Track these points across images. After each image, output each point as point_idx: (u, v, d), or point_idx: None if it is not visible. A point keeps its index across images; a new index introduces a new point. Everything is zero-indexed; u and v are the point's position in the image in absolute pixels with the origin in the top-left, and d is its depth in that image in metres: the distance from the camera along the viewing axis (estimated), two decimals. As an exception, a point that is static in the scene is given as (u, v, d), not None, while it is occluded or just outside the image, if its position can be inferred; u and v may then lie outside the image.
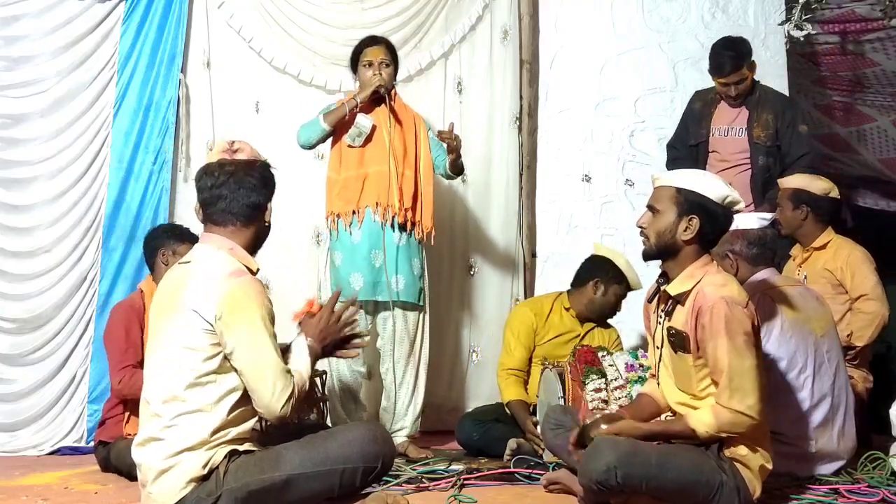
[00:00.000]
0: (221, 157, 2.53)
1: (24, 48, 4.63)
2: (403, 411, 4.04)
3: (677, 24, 4.96)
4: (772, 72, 4.94)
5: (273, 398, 2.33)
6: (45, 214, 4.58)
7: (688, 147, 4.39)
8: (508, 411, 4.01)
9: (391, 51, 4.07)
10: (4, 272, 4.55)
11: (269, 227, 2.59)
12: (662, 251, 2.71)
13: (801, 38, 4.49)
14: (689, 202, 2.65)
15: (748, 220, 3.35)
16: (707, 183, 2.68)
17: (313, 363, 2.48)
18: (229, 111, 4.78)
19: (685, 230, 2.65)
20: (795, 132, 4.22)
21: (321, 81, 4.79)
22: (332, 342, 2.55)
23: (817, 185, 4.02)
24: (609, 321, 4.16)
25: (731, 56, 4.20)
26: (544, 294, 4.34)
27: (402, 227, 3.95)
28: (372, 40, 4.08)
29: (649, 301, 2.88)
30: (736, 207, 2.69)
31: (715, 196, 2.65)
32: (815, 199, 3.99)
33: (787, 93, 4.93)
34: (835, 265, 3.98)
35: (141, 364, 3.60)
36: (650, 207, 2.74)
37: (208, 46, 4.79)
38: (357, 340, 2.64)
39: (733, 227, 3.29)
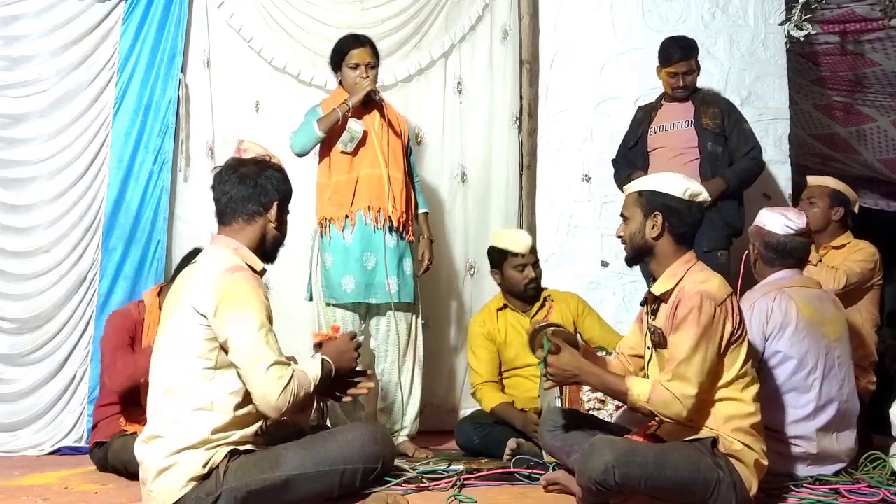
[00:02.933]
0: (232, 156, 2.59)
1: (23, 48, 4.63)
2: (402, 411, 4.04)
3: (677, 24, 4.95)
4: (772, 72, 4.95)
5: (268, 385, 2.32)
6: (44, 214, 4.58)
7: (627, 152, 4.49)
8: (497, 419, 3.99)
9: (376, 52, 4.05)
10: (4, 272, 4.55)
11: (280, 232, 2.60)
12: (639, 253, 2.84)
13: (801, 38, 4.49)
14: (650, 201, 2.78)
15: (775, 222, 3.32)
16: (665, 180, 2.81)
17: (324, 376, 2.47)
18: (229, 111, 4.78)
19: (652, 228, 2.77)
20: (742, 129, 4.33)
21: (321, 81, 4.78)
22: (346, 367, 2.60)
23: (852, 193, 4.18)
24: (568, 292, 4.20)
25: (680, 46, 4.34)
26: (489, 300, 4.33)
27: (394, 230, 3.94)
28: (356, 41, 4.01)
29: (642, 304, 2.95)
30: (699, 198, 2.78)
31: (674, 191, 2.76)
32: (849, 203, 4.15)
33: (787, 93, 4.96)
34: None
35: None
36: (622, 216, 2.87)
37: (208, 46, 4.79)
38: (363, 382, 2.69)
39: (758, 221, 3.34)
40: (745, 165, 4.26)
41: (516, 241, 4.03)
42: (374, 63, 4.01)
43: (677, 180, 2.79)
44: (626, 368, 2.97)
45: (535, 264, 4.06)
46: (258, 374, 2.32)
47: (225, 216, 2.54)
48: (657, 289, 2.79)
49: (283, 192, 2.59)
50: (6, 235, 4.58)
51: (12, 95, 4.61)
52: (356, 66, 3.96)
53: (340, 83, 4.07)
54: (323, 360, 2.49)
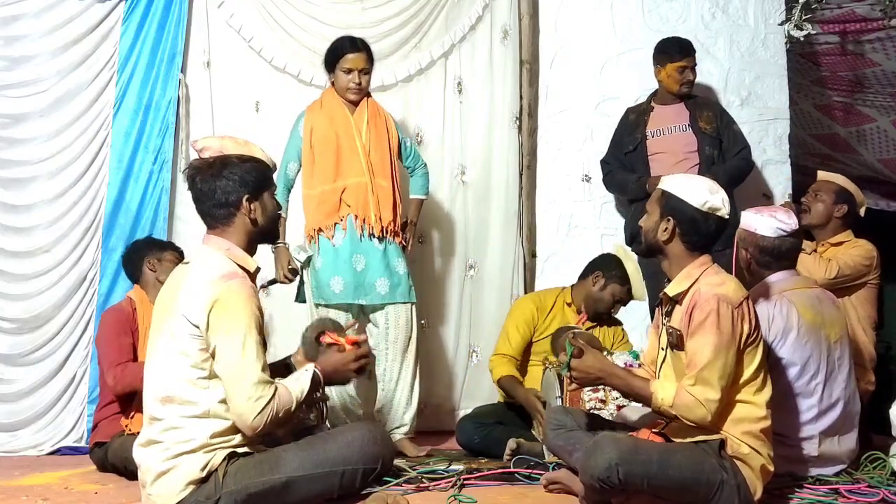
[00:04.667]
0: (192, 161, 2.53)
1: (23, 48, 4.62)
2: (402, 410, 4.07)
3: (677, 24, 4.95)
4: (772, 72, 4.95)
5: (246, 405, 2.29)
6: (44, 214, 4.58)
7: (622, 156, 4.50)
8: (500, 391, 4.02)
9: (370, 57, 4.09)
10: (4, 272, 4.55)
11: (265, 222, 2.50)
12: (651, 250, 2.84)
13: (801, 38, 4.49)
14: (669, 205, 2.76)
15: (766, 225, 3.29)
16: (688, 187, 2.77)
17: (312, 389, 2.44)
18: (229, 111, 4.77)
19: (664, 231, 2.76)
20: (732, 130, 4.43)
21: (321, 81, 4.77)
22: (340, 381, 2.61)
23: (860, 195, 4.20)
24: (616, 317, 4.17)
25: (681, 43, 4.44)
26: (550, 288, 4.34)
27: (380, 238, 3.99)
28: (352, 45, 4.04)
29: (657, 305, 2.95)
30: (718, 213, 2.74)
31: (693, 200, 2.73)
32: (854, 203, 4.15)
33: (787, 93, 4.97)
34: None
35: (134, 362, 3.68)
36: (646, 207, 2.87)
37: (208, 46, 4.78)
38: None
39: (747, 225, 3.31)
40: (734, 164, 4.35)
41: (640, 291, 3.99)
42: (368, 69, 4.06)
43: (700, 191, 2.74)
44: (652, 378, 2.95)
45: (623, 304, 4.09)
46: (238, 392, 2.30)
47: (206, 222, 2.50)
48: (672, 290, 2.78)
49: (251, 182, 2.46)
50: (6, 235, 4.57)
51: (12, 95, 4.60)
52: (349, 71, 4.01)
53: (333, 84, 4.11)
54: (314, 374, 2.45)
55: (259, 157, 2.52)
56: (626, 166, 4.47)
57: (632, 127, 4.50)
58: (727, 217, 2.78)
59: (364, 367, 2.57)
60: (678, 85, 4.40)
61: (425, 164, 4.34)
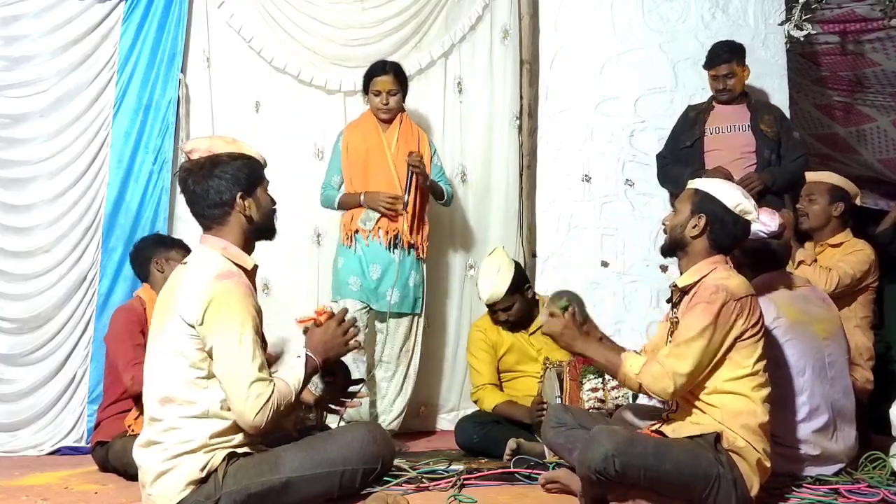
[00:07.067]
0: (182, 163, 2.52)
1: (24, 48, 4.62)
2: (388, 408, 4.23)
3: (677, 24, 4.95)
4: (772, 72, 4.95)
5: (246, 404, 2.28)
6: (44, 214, 4.58)
7: (678, 151, 4.48)
8: (499, 417, 4.00)
9: (399, 78, 4.31)
10: (4, 272, 4.55)
11: (260, 218, 2.49)
12: (673, 245, 2.90)
13: (801, 38, 4.50)
14: (702, 202, 2.84)
15: None
16: (723, 189, 2.87)
17: (309, 376, 2.43)
18: (229, 111, 4.78)
19: (693, 227, 2.82)
20: (791, 137, 4.44)
21: (321, 81, 4.79)
22: (336, 355, 2.51)
23: (853, 188, 4.20)
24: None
25: (724, 50, 4.42)
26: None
27: (401, 247, 4.19)
28: (382, 68, 4.29)
29: (668, 301, 2.99)
30: (747, 217, 2.82)
31: (727, 201, 2.81)
32: (849, 199, 4.16)
33: (787, 93, 4.97)
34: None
35: None
36: (673, 206, 2.96)
37: (208, 46, 4.78)
38: (357, 388, 2.67)
39: None
40: (790, 168, 4.35)
41: (482, 288, 3.98)
42: (396, 90, 4.28)
43: (734, 193, 2.84)
44: None
45: (508, 308, 3.96)
46: (237, 392, 2.29)
47: (202, 223, 2.50)
48: (681, 281, 2.85)
49: (244, 178, 2.45)
50: (6, 235, 4.57)
51: (12, 95, 4.60)
52: (378, 93, 4.26)
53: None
54: (307, 358, 2.43)
55: (249, 154, 2.50)
56: (681, 161, 4.45)
57: (690, 123, 4.50)
58: (754, 222, 2.87)
59: (353, 335, 2.53)
60: (714, 91, 4.43)
61: (450, 185, 4.50)
